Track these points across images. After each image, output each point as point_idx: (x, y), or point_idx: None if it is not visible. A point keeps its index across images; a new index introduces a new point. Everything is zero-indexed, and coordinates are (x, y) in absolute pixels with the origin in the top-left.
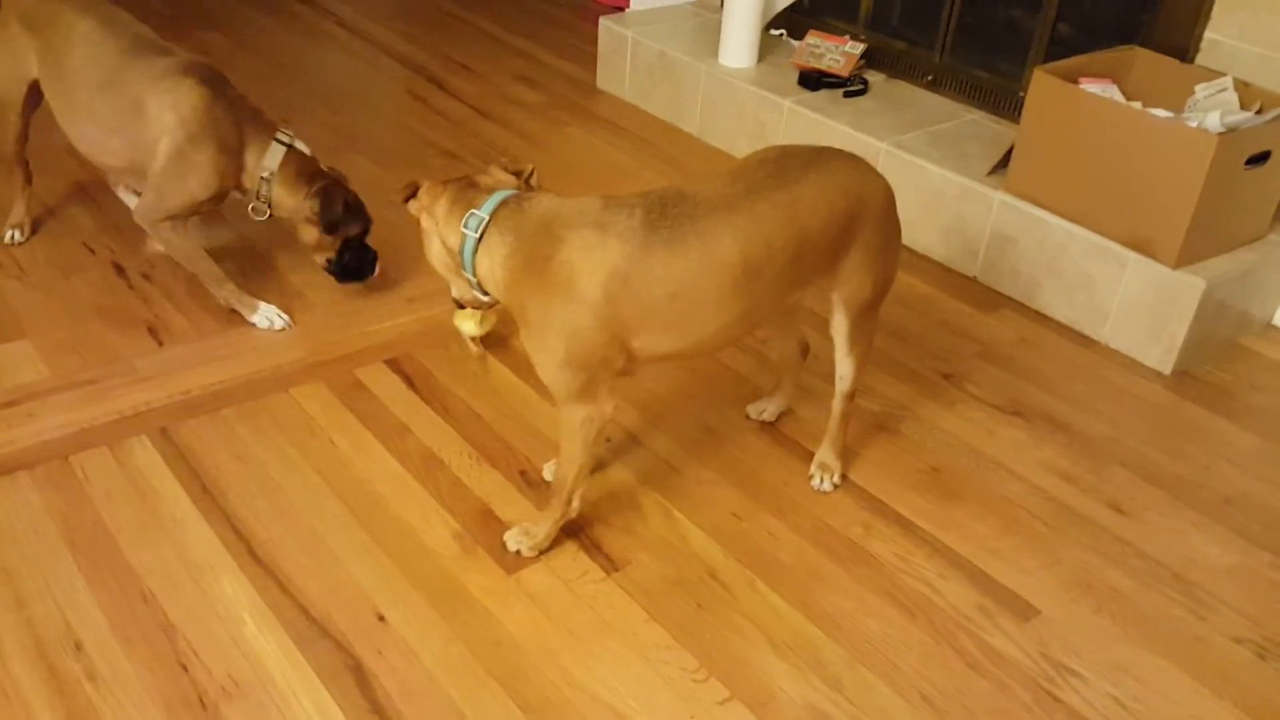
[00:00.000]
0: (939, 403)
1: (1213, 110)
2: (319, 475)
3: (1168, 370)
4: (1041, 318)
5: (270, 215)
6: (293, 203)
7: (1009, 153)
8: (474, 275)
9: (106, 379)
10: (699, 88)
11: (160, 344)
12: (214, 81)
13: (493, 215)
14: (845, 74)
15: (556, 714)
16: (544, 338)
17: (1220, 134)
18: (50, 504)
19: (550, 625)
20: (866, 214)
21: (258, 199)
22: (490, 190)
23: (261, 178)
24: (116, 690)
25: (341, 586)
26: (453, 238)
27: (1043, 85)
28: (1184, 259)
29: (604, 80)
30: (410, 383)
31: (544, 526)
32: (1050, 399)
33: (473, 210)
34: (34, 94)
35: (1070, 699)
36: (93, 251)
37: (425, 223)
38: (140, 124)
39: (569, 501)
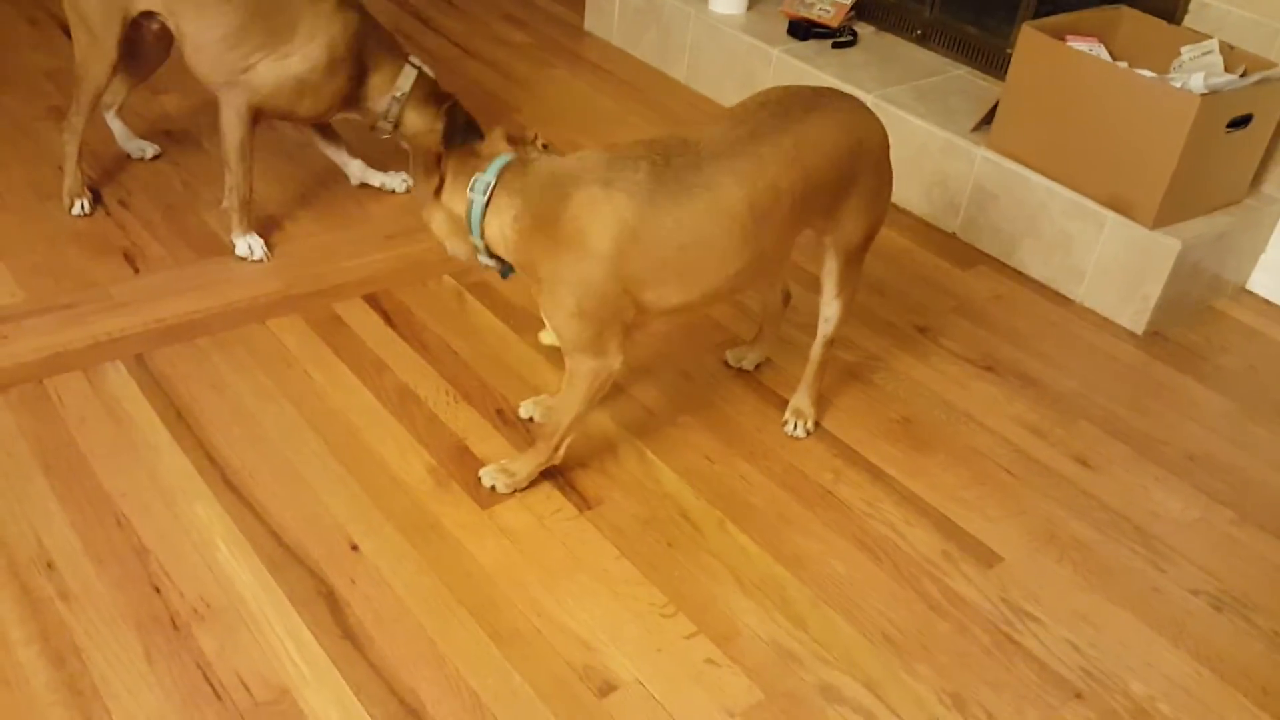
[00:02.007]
0: (913, 355)
1: (1197, 72)
2: (294, 406)
3: (1140, 330)
4: (1018, 275)
5: (392, 133)
6: (421, 122)
7: (994, 109)
8: (481, 238)
9: (82, 304)
10: (687, 33)
11: (136, 271)
12: (363, 13)
13: (498, 177)
14: (835, 25)
15: (526, 644)
16: (556, 292)
17: (1203, 95)
18: (24, 426)
19: (522, 559)
20: (866, 156)
21: (384, 119)
22: (491, 157)
23: (393, 98)
24: (89, 609)
25: (315, 516)
26: (459, 204)
27: (1030, 41)
28: (1161, 220)
29: (591, 23)
30: (388, 319)
31: (526, 466)
32: (1023, 355)
33: (478, 174)
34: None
35: (1028, 643)
36: None
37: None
38: (287, 40)
39: (557, 448)
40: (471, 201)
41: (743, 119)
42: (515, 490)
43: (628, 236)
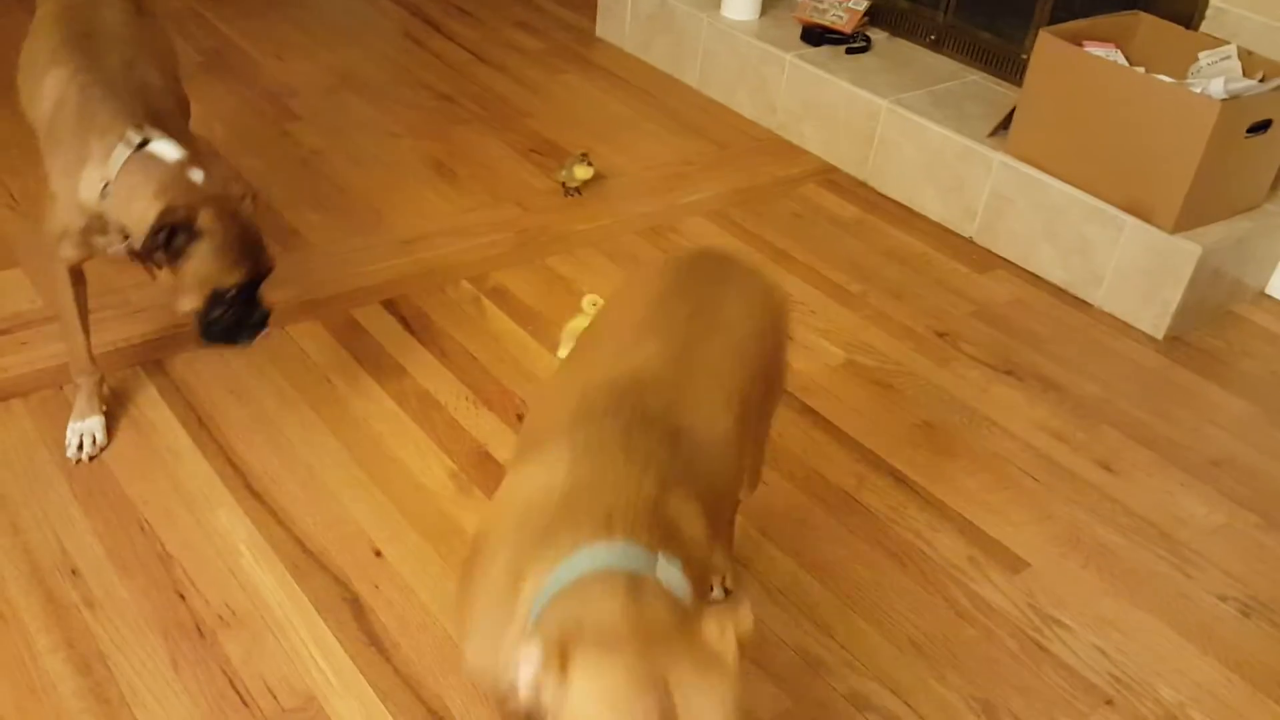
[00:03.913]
0: (933, 360)
1: (1216, 77)
2: (315, 412)
3: (1160, 335)
4: (1036, 279)
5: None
6: (132, 220)
7: (1010, 114)
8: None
9: (101, 310)
10: (700, 39)
11: (154, 277)
12: (91, 66)
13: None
14: (848, 30)
15: None
16: None
17: (1223, 100)
18: (44, 432)
19: None
20: (778, 331)
21: (118, 231)
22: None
23: (103, 191)
24: (114, 616)
25: (338, 522)
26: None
27: (1047, 47)
28: (1181, 225)
29: (603, 29)
30: (407, 324)
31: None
32: (1043, 359)
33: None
34: None
35: (1056, 649)
36: None
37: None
38: (31, 112)
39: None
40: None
41: (666, 331)
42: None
43: None
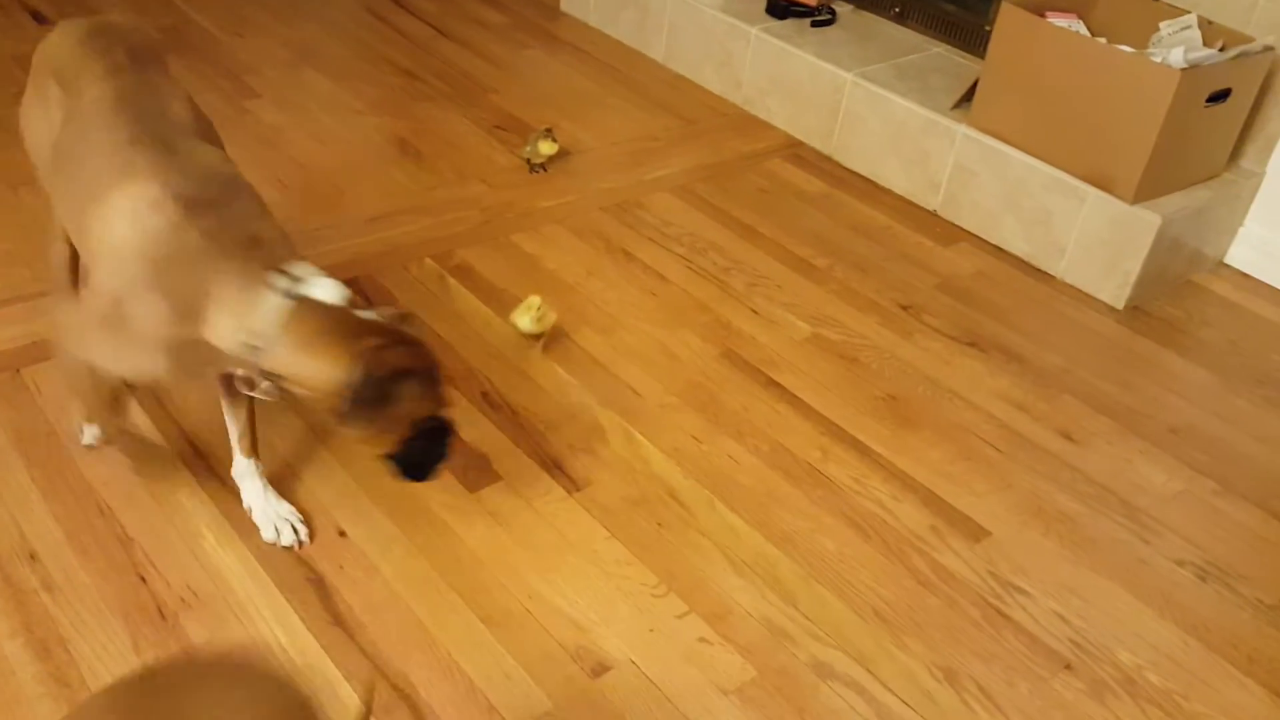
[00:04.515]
0: (897, 333)
1: (1176, 47)
2: None
3: (1121, 305)
4: (999, 252)
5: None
6: (320, 378)
7: (973, 86)
8: None
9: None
10: (665, 13)
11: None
12: (197, 198)
13: None
14: (813, 3)
15: (518, 626)
16: None
17: (1183, 70)
18: (1, 416)
19: (511, 542)
20: None
21: (259, 375)
22: None
23: (248, 345)
24: (74, 600)
25: (301, 502)
26: None
27: (1009, 18)
28: (1141, 195)
29: (568, 3)
30: (370, 303)
31: None
32: (1005, 331)
33: None
34: None
35: (1017, 616)
36: None
37: None
38: (92, 230)
39: None
40: None
41: None
42: None
43: None
